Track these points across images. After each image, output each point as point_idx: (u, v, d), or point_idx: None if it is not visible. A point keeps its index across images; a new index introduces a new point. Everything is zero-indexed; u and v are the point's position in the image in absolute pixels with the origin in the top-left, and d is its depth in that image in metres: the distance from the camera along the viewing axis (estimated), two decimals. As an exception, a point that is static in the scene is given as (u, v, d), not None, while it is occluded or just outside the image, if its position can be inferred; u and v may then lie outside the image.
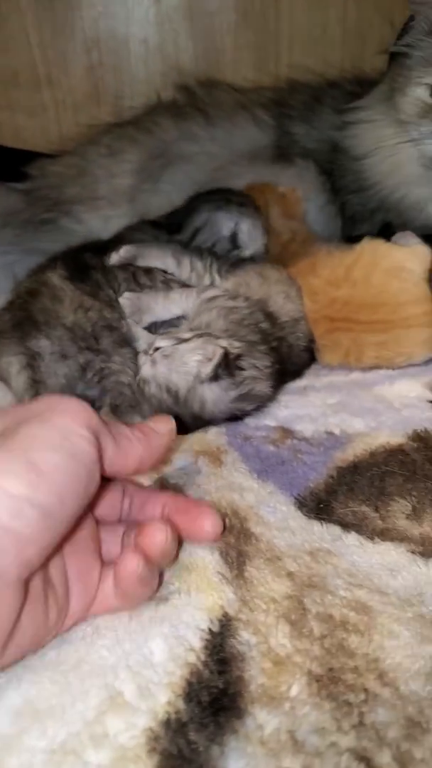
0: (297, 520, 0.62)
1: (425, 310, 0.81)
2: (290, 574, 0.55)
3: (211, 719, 0.44)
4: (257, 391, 0.75)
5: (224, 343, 0.72)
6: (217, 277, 0.89)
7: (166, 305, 0.84)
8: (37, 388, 0.72)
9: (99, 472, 0.45)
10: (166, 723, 0.44)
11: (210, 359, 0.70)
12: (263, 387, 0.76)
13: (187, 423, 0.73)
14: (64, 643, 0.49)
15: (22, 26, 1.28)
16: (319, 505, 0.64)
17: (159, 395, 0.71)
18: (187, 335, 0.74)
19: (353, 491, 0.65)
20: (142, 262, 0.85)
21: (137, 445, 0.50)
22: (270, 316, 0.82)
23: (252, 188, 0.98)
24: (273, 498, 0.65)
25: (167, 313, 0.84)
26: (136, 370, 0.75)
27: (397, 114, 0.96)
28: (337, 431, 0.75)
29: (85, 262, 0.84)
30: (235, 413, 0.75)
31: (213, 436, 0.74)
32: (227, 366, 0.71)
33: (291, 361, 0.84)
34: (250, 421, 0.77)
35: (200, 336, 0.73)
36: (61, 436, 0.43)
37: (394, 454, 0.70)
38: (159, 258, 0.86)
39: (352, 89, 1.13)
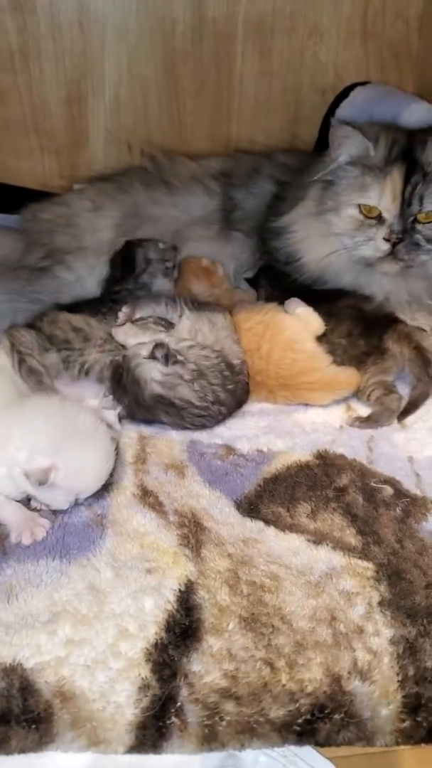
0: (235, 517, 0.93)
1: (314, 379, 1.10)
2: (230, 555, 0.87)
3: (182, 642, 0.76)
4: (182, 391, 1.04)
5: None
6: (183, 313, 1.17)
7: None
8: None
9: None
10: (155, 645, 0.75)
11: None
12: (187, 392, 1.04)
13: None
14: (86, 603, 0.79)
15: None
16: (250, 507, 0.95)
17: None
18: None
19: (273, 496, 0.96)
20: (139, 313, 1.15)
21: None
22: (230, 366, 1.10)
23: (184, 262, 1.28)
24: (220, 502, 0.95)
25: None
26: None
27: (329, 228, 1.22)
28: (265, 449, 1.05)
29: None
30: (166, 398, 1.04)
31: (177, 452, 1.04)
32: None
33: (240, 397, 1.12)
34: (204, 440, 1.07)
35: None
36: None
37: (302, 468, 1.01)
38: (150, 306, 1.16)
39: (284, 161, 1.42)
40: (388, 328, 1.16)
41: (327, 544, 0.89)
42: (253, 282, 1.31)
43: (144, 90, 1.59)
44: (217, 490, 0.97)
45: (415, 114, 1.38)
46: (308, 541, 0.90)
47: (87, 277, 1.31)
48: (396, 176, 1.16)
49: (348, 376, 1.11)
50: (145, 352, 1.04)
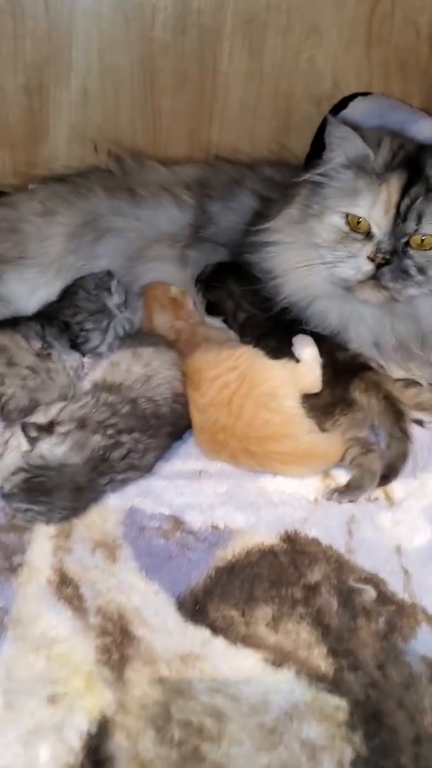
0: (175, 622, 0.73)
1: (286, 449, 0.90)
2: (162, 679, 0.67)
3: None
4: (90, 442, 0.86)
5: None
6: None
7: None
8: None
9: None
10: None
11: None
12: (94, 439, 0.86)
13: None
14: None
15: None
16: (195, 606, 0.75)
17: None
18: None
19: (226, 593, 0.77)
20: None
21: None
22: (111, 388, 0.93)
23: (149, 288, 1.10)
24: (157, 598, 0.75)
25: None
26: None
27: (310, 237, 1.03)
28: (221, 525, 0.86)
29: None
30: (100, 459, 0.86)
31: (112, 525, 0.84)
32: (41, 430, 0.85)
33: (161, 411, 0.94)
34: (147, 508, 0.87)
35: None
36: None
37: (265, 555, 0.82)
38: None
39: (270, 174, 1.23)
40: (355, 376, 0.98)
41: (289, 668, 0.69)
42: (213, 279, 1.12)
43: (116, 83, 1.39)
44: (155, 581, 0.77)
45: (423, 132, 1.20)
46: (266, 661, 0.70)
47: (25, 295, 1.10)
48: (394, 185, 0.97)
49: (327, 448, 0.92)
50: (24, 445, 0.85)
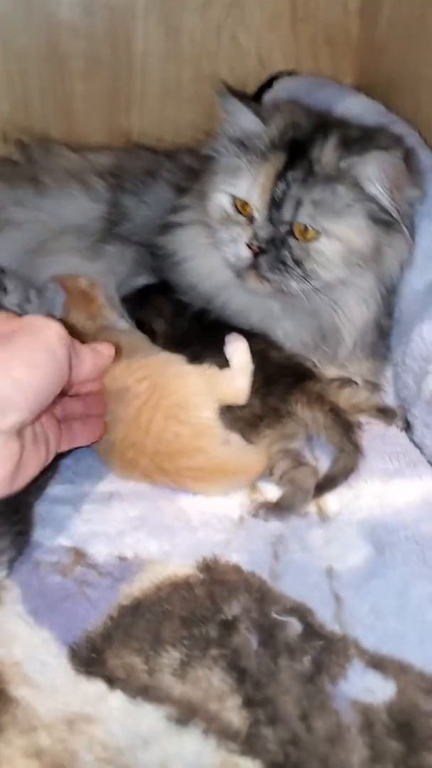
0: (65, 675, 0.62)
1: (197, 464, 0.80)
2: (39, 753, 0.56)
3: None
4: None
5: None
6: None
7: None
8: None
9: (67, 374, 0.65)
10: None
11: None
12: None
13: None
14: None
15: None
16: (91, 656, 0.64)
17: None
18: None
19: (129, 637, 0.66)
20: None
21: (90, 360, 0.69)
22: None
23: (59, 280, 0.98)
24: (46, 648, 0.64)
25: None
26: None
27: (205, 216, 0.97)
28: (130, 555, 0.75)
29: None
30: None
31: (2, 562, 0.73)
32: None
33: None
34: (45, 540, 0.77)
35: None
36: (48, 346, 0.62)
37: (178, 588, 0.71)
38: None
39: (190, 163, 1.13)
40: (295, 388, 0.88)
41: (196, 725, 0.59)
42: (139, 299, 1.02)
43: (22, 69, 1.29)
44: (44, 627, 0.67)
45: (352, 109, 1.10)
46: (169, 719, 0.60)
47: None
48: (271, 166, 0.89)
49: (244, 462, 0.82)
50: None
